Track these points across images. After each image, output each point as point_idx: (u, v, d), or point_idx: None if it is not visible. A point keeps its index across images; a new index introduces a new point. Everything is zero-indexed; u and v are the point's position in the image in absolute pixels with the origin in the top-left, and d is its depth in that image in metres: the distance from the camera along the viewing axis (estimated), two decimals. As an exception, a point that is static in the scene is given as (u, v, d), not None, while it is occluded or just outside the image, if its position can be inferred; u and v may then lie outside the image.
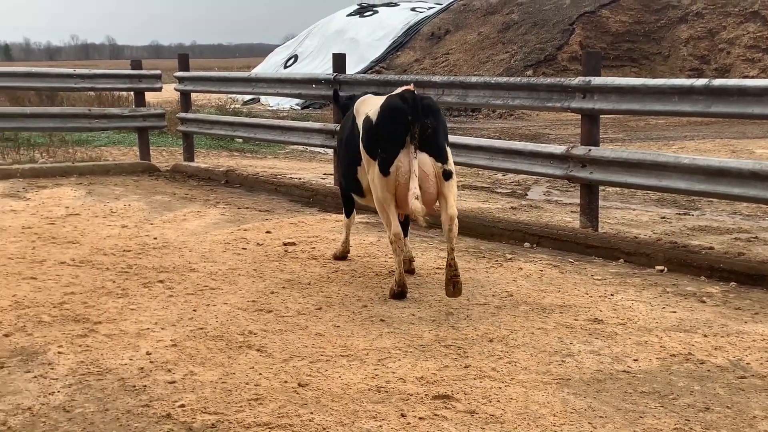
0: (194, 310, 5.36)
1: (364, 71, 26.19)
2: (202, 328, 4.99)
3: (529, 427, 3.68)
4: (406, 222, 6.26)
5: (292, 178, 10.79)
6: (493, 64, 25.06)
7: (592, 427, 3.67)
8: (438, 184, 5.48)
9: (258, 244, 7.33)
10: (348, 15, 32.05)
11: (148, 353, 4.56)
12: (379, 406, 3.88)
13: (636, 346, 4.70)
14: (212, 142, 15.61)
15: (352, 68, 23.77)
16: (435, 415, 3.79)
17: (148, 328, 4.99)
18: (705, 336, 4.85)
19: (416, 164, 5.35)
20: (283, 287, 5.94)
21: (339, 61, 10.11)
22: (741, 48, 23.99)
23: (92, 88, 12.84)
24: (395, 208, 5.61)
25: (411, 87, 5.62)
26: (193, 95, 13.38)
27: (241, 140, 15.23)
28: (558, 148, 7.66)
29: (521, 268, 6.46)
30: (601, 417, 3.77)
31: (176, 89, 12.81)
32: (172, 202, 9.45)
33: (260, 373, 4.27)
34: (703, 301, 5.58)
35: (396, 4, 33.24)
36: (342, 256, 6.74)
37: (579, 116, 7.68)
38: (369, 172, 5.73)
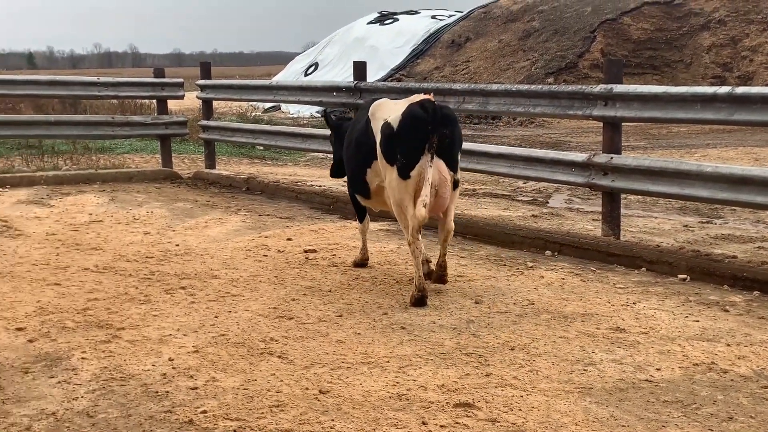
0: (216, 317, 5.39)
1: (385, 79, 26.24)
2: (223, 335, 5.02)
3: (550, 435, 3.67)
4: None
5: (312, 185, 10.83)
6: (514, 72, 25.02)
7: (615, 437, 3.65)
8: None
9: (279, 251, 7.36)
10: (368, 23, 32.13)
11: (170, 359, 4.59)
12: (400, 413, 3.88)
13: (658, 355, 4.67)
14: (233, 150, 15.69)
15: (373, 76, 23.80)
16: (456, 423, 3.78)
17: (171, 335, 5.02)
18: (728, 345, 4.81)
19: (431, 172, 5.48)
20: (304, 294, 5.96)
21: (360, 68, 10.14)
22: (764, 55, 23.82)
23: (116, 96, 12.95)
24: (412, 209, 5.65)
25: (431, 96, 5.71)
26: (215, 103, 13.46)
27: (261, 148, 15.30)
28: (579, 156, 7.64)
29: (542, 277, 6.44)
30: (623, 426, 3.75)
31: (198, 97, 12.89)
32: (194, 209, 9.51)
33: (281, 380, 4.29)
34: (726, 310, 5.54)
35: (416, 12, 33.28)
36: (362, 263, 6.76)
37: (600, 124, 7.66)
38: (385, 176, 5.79)
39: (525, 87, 8.29)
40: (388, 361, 4.56)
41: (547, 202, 10.15)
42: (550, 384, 4.24)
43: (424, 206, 5.44)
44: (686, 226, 8.44)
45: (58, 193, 10.35)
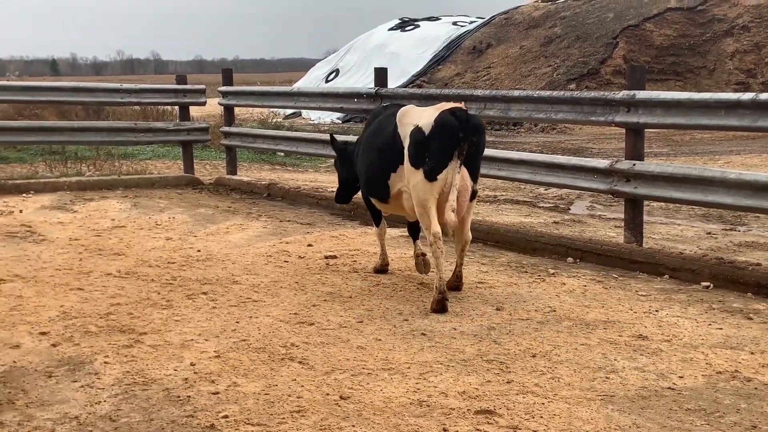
0: (237, 322, 5.40)
1: (405, 85, 26.25)
2: (245, 340, 5.03)
3: (572, 443, 3.65)
4: (417, 229, 6.53)
5: (333, 191, 10.83)
6: (536, 78, 24.97)
7: (637, 445, 3.63)
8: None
9: (300, 257, 7.38)
10: (389, 29, 32.20)
11: (192, 364, 4.61)
12: (421, 420, 3.87)
13: (681, 363, 4.63)
14: (254, 156, 15.76)
15: (393, 82, 23.81)
16: (477, 430, 3.77)
17: (192, 340, 5.04)
18: (752, 353, 4.77)
19: (458, 179, 5.59)
20: (325, 300, 5.97)
21: (381, 75, 10.16)
22: (788, 61, 23.62)
23: (138, 102, 13.05)
24: (435, 211, 5.71)
25: (462, 105, 5.82)
26: (236, 109, 13.52)
27: (282, 154, 15.35)
28: (602, 163, 7.61)
29: (564, 284, 6.41)
30: (646, 434, 3.73)
31: (220, 103, 12.96)
32: (216, 215, 9.55)
33: (302, 386, 4.29)
34: (750, 318, 5.49)
35: (437, 18, 33.31)
36: (382, 269, 6.76)
37: (623, 130, 7.63)
38: (409, 179, 5.84)
39: (547, 93, 8.27)
40: (408, 368, 4.55)
41: (569, 209, 10.10)
42: (572, 391, 4.22)
43: (453, 211, 5.56)
44: (709, 233, 8.37)
45: (81, 199, 10.44)
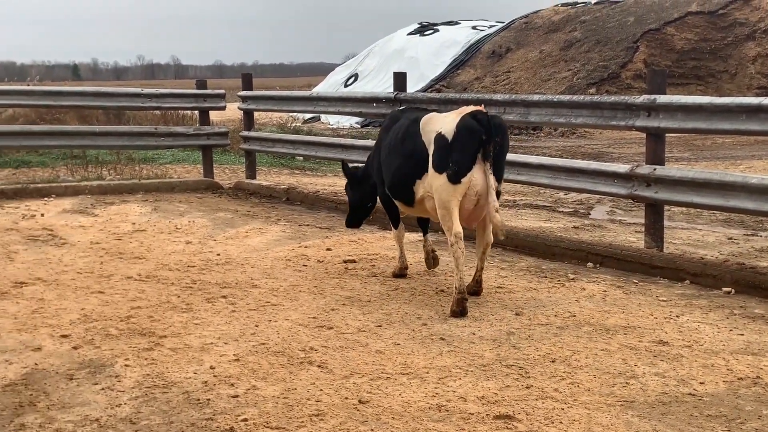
0: (256, 326, 5.42)
1: (425, 89, 26.27)
2: (264, 344, 5.04)
3: (592, 449, 3.63)
4: (426, 222, 6.81)
5: (352, 195, 10.84)
6: (555, 82, 24.90)
7: (658, 451, 3.60)
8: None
9: (318, 261, 7.39)
10: (408, 34, 32.20)
11: (211, 367, 4.63)
12: (440, 424, 3.87)
13: (702, 368, 4.60)
14: (273, 160, 15.80)
15: (412, 86, 23.87)
16: (496, 435, 3.76)
17: (212, 343, 5.06)
18: (775, 360, 4.72)
19: (492, 180, 5.70)
20: (344, 304, 5.97)
21: (400, 79, 10.17)
22: (811, 65, 23.43)
23: (159, 107, 13.12)
24: (457, 213, 5.77)
25: (482, 107, 5.89)
26: (255, 114, 13.57)
27: (301, 158, 15.38)
28: (622, 167, 7.57)
29: (584, 289, 6.39)
30: (666, 441, 3.70)
31: (239, 108, 13.01)
32: (235, 219, 9.59)
33: (321, 389, 4.30)
34: (773, 324, 5.44)
35: (457, 23, 33.29)
36: (401, 273, 6.77)
37: (643, 135, 7.59)
38: (432, 182, 5.88)
39: (566, 97, 8.24)
40: (427, 372, 4.55)
41: (589, 214, 10.06)
42: (592, 397, 4.20)
43: (497, 211, 5.68)
44: (731, 238, 8.31)
45: (102, 203, 10.51)
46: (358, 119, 25.45)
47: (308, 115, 27.00)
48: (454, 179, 5.70)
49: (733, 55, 25.08)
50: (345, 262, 7.32)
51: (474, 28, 31.84)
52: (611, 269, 7.06)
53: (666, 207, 7.68)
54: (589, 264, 7.24)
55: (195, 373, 4.55)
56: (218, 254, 7.66)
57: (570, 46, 26.88)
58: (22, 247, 7.87)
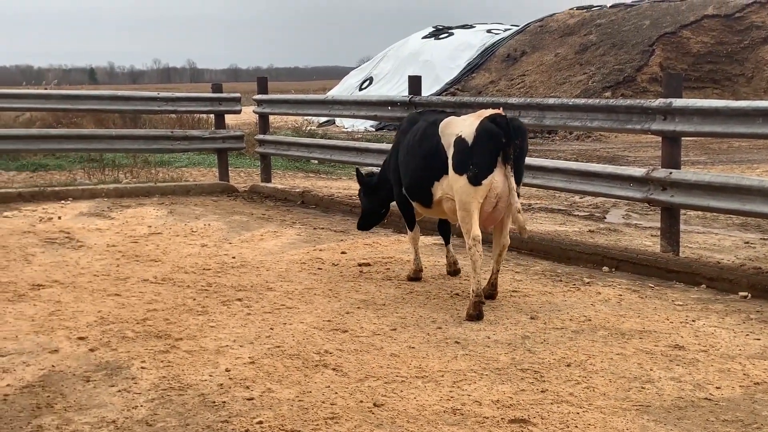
0: (271, 329, 5.44)
1: (439, 93, 26.26)
2: (279, 347, 5.06)
3: (607, 453, 3.62)
4: (447, 228, 6.92)
5: (367, 199, 10.85)
6: (570, 86, 24.84)
7: (674, 456, 3.59)
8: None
9: (333, 264, 7.40)
10: (423, 37, 32.20)
11: (227, 370, 4.64)
12: (455, 428, 3.87)
13: (718, 373, 4.58)
14: (288, 164, 15.84)
15: (427, 90, 23.88)
16: (511, 438, 3.75)
17: (227, 346, 5.08)
18: (792, 365, 4.70)
19: (513, 182, 5.74)
20: (358, 307, 5.98)
21: (414, 83, 10.18)
22: (828, 68, 23.27)
23: (175, 110, 13.18)
24: (477, 215, 5.80)
25: (500, 110, 5.93)
26: (270, 117, 13.61)
27: (316, 161, 15.41)
28: (638, 171, 7.55)
29: (599, 293, 6.37)
30: (682, 445, 3.69)
31: (255, 112, 13.05)
32: (250, 222, 9.62)
33: (336, 392, 4.31)
34: (790, 329, 5.40)
35: (472, 26, 33.26)
36: (416, 276, 6.78)
37: (659, 138, 7.57)
38: (453, 184, 5.91)
39: (582, 101, 8.22)
40: (442, 376, 4.55)
41: (604, 218, 10.03)
42: (607, 401, 4.19)
43: (519, 212, 5.73)
44: (747, 242, 8.27)
45: (118, 206, 10.57)
46: (372, 123, 25.47)
47: (323, 119, 27.03)
48: (475, 181, 5.73)
49: (750, 59, 24.94)
50: (360, 265, 7.33)
51: (489, 31, 31.80)
52: (627, 273, 7.04)
53: (682, 211, 7.65)
54: (605, 268, 7.22)
55: (210, 376, 4.57)
56: (233, 257, 7.69)
57: (585, 49, 26.81)
58: (39, 250, 7.93)
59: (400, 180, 6.61)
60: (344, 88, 32.53)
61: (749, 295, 6.24)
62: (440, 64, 29.21)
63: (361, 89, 30.70)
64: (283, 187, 12.16)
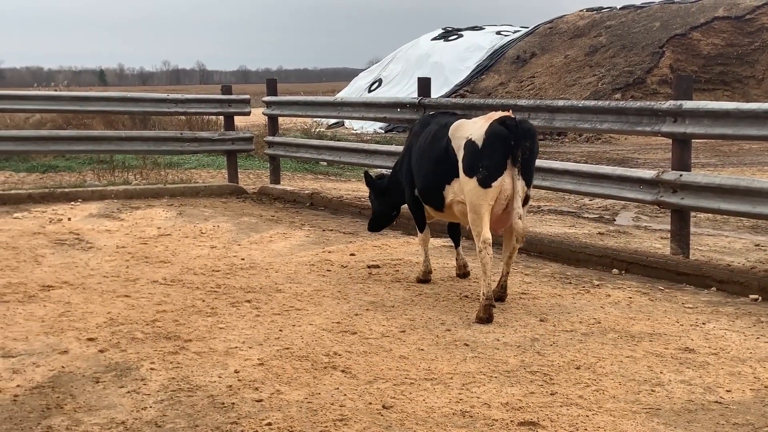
0: (280, 330, 5.44)
1: (449, 95, 26.24)
2: (288, 348, 5.06)
3: (617, 456, 3.60)
4: (457, 231, 6.94)
5: (376, 201, 10.85)
6: (580, 88, 24.79)
7: (684, 459, 3.57)
8: None
9: (342, 266, 7.40)
10: (432, 39, 32.21)
11: (236, 371, 4.65)
12: (464, 430, 3.86)
13: (729, 376, 4.56)
14: (297, 165, 15.85)
15: (436, 92, 23.85)
16: (520, 441, 3.74)
17: (237, 347, 5.09)
18: (803, 368, 4.67)
19: (519, 185, 5.72)
20: (367, 309, 5.98)
21: (424, 84, 10.17)
22: (840, 70, 23.15)
23: (185, 112, 13.21)
24: (488, 218, 5.80)
25: (510, 113, 5.92)
26: (280, 119, 13.63)
27: (325, 163, 15.42)
28: (648, 173, 7.53)
29: (609, 295, 6.35)
30: (692, 449, 3.67)
31: (264, 113, 13.07)
32: (259, 224, 9.63)
33: (345, 394, 4.31)
34: (801, 332, 5.38)
35: (481, 28, 33.25)
36: (425, 278, 6.78)
37: (669, 141, 7.54)
38: (463, 187, 5.91)
39: (592, 103, 8.21)
40: (451, 378, 4.54)
41: (614, 220, 10.01)
42: (617, 404, 4.17)
43: (520, 218, 5.70)
44: (758, 245, 8.23)
45: (128, 207, 10.59)
46: (381, 124, 25.47)
47: (332, 121, 27.07)
48: (485, 184, 5.73)
49: (761, 61, 24.85)
50: (369, 267, 7.33)
51: (498, 33, 31.79)
52: (637, 276, 7.02)
53: (692, 213, 7.62)
54: (615, 270, 7.20)
55: (220, 377, 4.57)
56: (243, 259, 7.70)
57: (595, 51, 26.77)
58: (49, 251, 7.95)
59: (412, 182, 6.62)
60: (353, 90, 32.56)
61: (760, 297, 6.21)
62: (449, 65, 29.20)
63: (370, 91, 30.72)
64: (292, 188, 12.18)
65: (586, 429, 3.87)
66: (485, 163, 5.73)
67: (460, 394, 4.31)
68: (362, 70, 37.92)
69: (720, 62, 24.98)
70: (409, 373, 4.62)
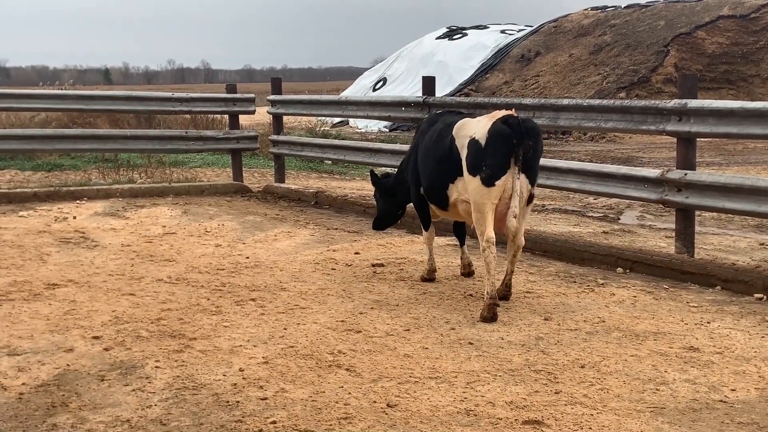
0: (285, 329, 5.45)
1: (453, 94, 26.23)
2: (292, 347, 5.07)
3: (621, 455, 3.61)
4: (462, 230, 6.94)
5: (381, 199, 10.85)
6: (585, 86, 24.76)
7: (688, 458, 3.57)
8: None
9: (347, 264, 7.41)
10: (437, 38, 32.18)
11: (241, 370, 4.66)
12: (468, 429, 3.87)
13: (733, 375, 4.56)
14: (302, 164, 15.86)
15: (441, 91, 23.82)
16: (525, 440, 3.75)
17: (241, 345, 5.10)
18: (808, 367, 4.66)
19: (518, 185, 5.73)
20: (372, 308, 5.98)
21: (428, 83, 10.17)
22: None
23: (189, 111, 13.22)
24: (491, 217, 5.80)
25: (513, 112, 5.92)
26: (284, 117, 13.63)
27: (330, 162, 15.43)
28: (652, 172, 7.52)
29: (614, 294, 6.35)
30: (697, 448, 3.67)
31: (269, 112, 13.08)
32: (264, 223, 9.64)
33: (349, 393, 4.31)
34: (806, 331, 5.37)
35: (485, 27, 33.21)
36: (429, 277, 6.78)
37: (674, 139, 7.54)
38: (468, 186, 5.92)
39: (596, 102, 8.20)
40: (455, 377, 4.55)
41: (619, 219, 10.00)
42: (621, 403, 4.17)
43: (515, 217, 5.72)
44: (763, 244, 8.22)
45: (133, 206, 10.61)
46: (386, 123, 25.47)
47: (337, 119, 27.07)
48: (488, 182, 5.73)
49: (765, 59, 24.79)
50: (373, 265, 7.33)
51: (503, 32, 31.75)
52: (641, 275, 7.01)
53: (697, 212, 7.61)
54: (619, 269, 7.19)
55: (224, 375, 4.58)
56: (247, 257, 7.71)
57: (600, 50, 26.73)
58: (54, 249, 7.97)
59: (418, 180, 6.63)
60: (358, 89, 32.55)
61: (764, 296, 6.21)
62: (454, 64, 29.18)
63: (374, 90, 30.71)
64: (296, 187, 12.18)
65: (590, 428, 3.87)
66: (488, 161, 5.74)
67: (464, 392, 4.31)
68: (367, 69, 37.91)
69: (725, 61, 24.93)
70: (414, 372, 4.62)
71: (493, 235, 5.77)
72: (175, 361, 4.82)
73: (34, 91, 12.87)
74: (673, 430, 3.86)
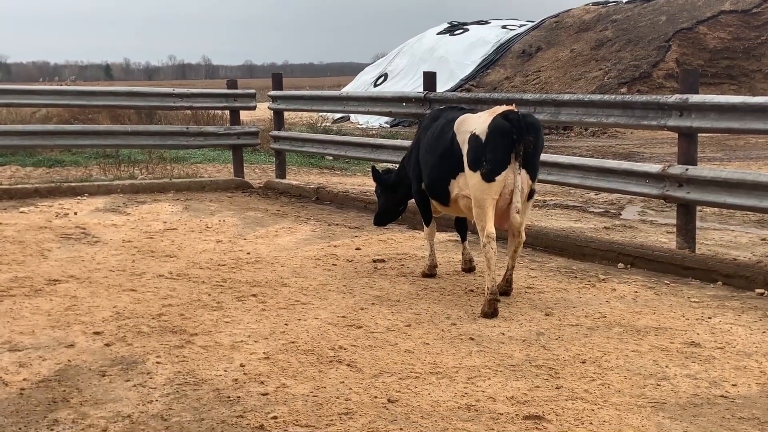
0: (286, 324, 5.45)
1: (454, 89, 26.22)
2: (293, 342, 5.07)
3: (622, 450, 3.61)
4: (464, 225, 6.93)
5: (382, 195, 10.84)
6: (586, 82, 24.74)
7: (689, 453, 3.57)
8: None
9: (348, 260, 7.41)
10: (438, 33, 32.16)
11: (242, 365, 4.66)
12: (469, 424, 3.87)
13: (734, 370, 4.55)
14: (303, 160, 15.85)
15: (442, 86, 23.81)
16: (526, 435, 3.75)
17: (242, 341, 5.10)
18: (809, 362, 4.66)
19: (519, 180, 5.71)
20: (373, 303, 5.98)
21: (429, 79, 10.16)
22: None
23: (190, 107, 13.22)
24: (492, 212, 5.79)
25: (513, 107, 5.90)
26: (285, 113, 13.63)
27: (331, 158, 15.42)
28: (654, 167, 7.51)
29: (615, 289, 6.35)
30: (698, 443, 3.67)
31: (270, 108, 13.07)
32: (265, 218, 9.63)
33: (350, 388, 4.31)
34: (807, 327, 5.36)
35: (487, 22, 33.19)
36: (430, 272, 6.78)
37: (675, 135, 7.53)
38: (469, 182, 5.92)
39: (597, 97, 8.18)
40: (456, 372, 4.55)
41: (620, 214, 9.99)
42: (622, 398, 4.17)
43: (517, 212, 5.72)
44: (764, 239, 8.21)
45: (134, 202, 10.61)
46: (387, 119, 25.46)
47: (338, 115, 27.06)
48: (488, 177, 5.73)
49: (767, 54, 24.76)
50: (374, 261, 7.33)
51: (504, 27, 31.72)
52: (642, 270, 7.01)
53: (698, 207, 7.61)
54: (620, 265, 7.19)
55: (225, 371, 4.58)
56: (248, 253, 7.71)
57: (601, 45, 26.70)
58: (55, 245, 7.97)
59: (419, 176, 6.63)
60: (359, 85, 32.53)
61: (766, 292, 6.20)
62: (455, 60, 29.16)
63: (375, 85, 30.70)
64: (297, 183, 12.18)
65: (591, 423, 3.87)
66: (489, 157, 5.74)
67: (465, 388, 4.31)
68: (368, 65, 37.90)
69: (726, 56, 24.90)
70: (415, 367, 4.62)
71: (493, 230, 5.76)
72: (176, 356, 4.82)
73: (34, 87, 12.90)
74: (674, 425, 3.86)
